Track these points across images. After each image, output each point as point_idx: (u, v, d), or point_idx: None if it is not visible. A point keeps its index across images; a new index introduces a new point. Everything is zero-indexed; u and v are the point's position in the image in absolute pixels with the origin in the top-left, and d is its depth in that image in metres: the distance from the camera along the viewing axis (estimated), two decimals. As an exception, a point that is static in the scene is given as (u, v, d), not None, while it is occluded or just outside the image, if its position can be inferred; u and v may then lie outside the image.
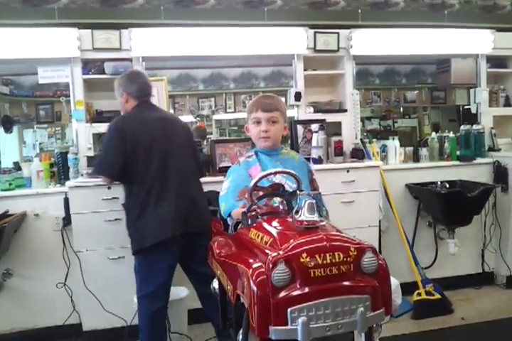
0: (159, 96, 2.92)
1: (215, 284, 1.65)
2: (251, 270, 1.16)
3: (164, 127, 2.26)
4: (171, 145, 2.23)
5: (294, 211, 1.30)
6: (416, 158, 3.29)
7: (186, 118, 4.14)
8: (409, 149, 3.31)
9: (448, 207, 2.86)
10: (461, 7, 3.91)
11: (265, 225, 1.39)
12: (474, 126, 3.38)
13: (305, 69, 3.20)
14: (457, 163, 3.23)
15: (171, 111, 3.85)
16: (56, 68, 2.93)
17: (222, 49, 3.05)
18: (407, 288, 2.82)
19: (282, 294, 1.11)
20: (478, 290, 3.22)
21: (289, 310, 1.09)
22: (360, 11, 3.68)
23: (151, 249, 2.12)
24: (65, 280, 2.64)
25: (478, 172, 3.22)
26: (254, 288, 1.11)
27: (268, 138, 1.77)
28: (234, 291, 1.31)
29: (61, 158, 2.85)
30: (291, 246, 1.15)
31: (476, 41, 3.42)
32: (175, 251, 2.19)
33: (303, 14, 3.65)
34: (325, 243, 1.16)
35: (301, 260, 1.12)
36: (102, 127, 2.62)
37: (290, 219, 1.32)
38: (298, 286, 1.12)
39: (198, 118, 4.20)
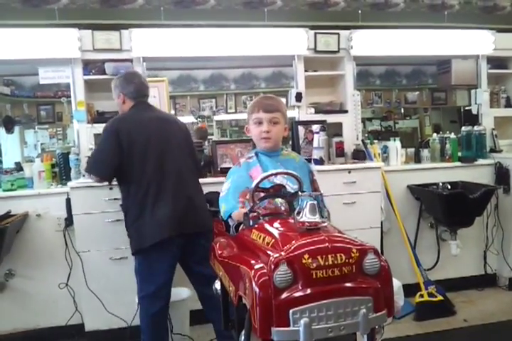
0: (160, 97, 2.92)
1: (217, 285, 1.65)
2: (253, 271, 1.16)
3: (160, 127, 2.25)
4: (168, 145, 2.23)
5: (295, 212, 1.29)
6: (417, 159, 3.28)
7: (187, 119, 4.15)
8: (411, 150, 3.31)
9: (450, 209, 2.86)
10: (461, 8, 3.92)
11: (267, 226, 1.39)
12: (475, 127, 3.38)
13: (306, 70, 3.20)
14: (459, 164, 3.23)
15: (172, 111, 3.86)
16: (57, 69, 2.94)
17: (223, 50, 3.05)
18: (410, 289, 2.81)
19: (284, 295, 1.10)
20: (480, 292, 3.21)
21: (291, 311, 1.09)
22: (360, 11, 3.68)
23: (151, 248, 2.12)
24: (68, 280, 2.64)
25: (479, 173, 3.22)
26: (256, 289, 1.11)
27: (269, 139, 1.77)
28: (236, 292, 1.30)
29: (62, 159, 2.86)
30: (293, 248, 1.15)
31: (476, 42, 3.42)
32: (174, 251, 2.19)
33: (303, 15, 3.65)
34: (327, 244, 1.15)
35: (303, 261, 1.12)
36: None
37: (292, 220, 1.32)
38: (300, 287, 1.11)
39: (198, 119, 4.20)
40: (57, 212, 2.64)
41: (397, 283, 2.38)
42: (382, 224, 2.99)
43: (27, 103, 3.95)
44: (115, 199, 2.53)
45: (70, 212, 2.59)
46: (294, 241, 1.18)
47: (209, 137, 3.95)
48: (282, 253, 1.15)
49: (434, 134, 3.40)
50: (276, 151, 1.82)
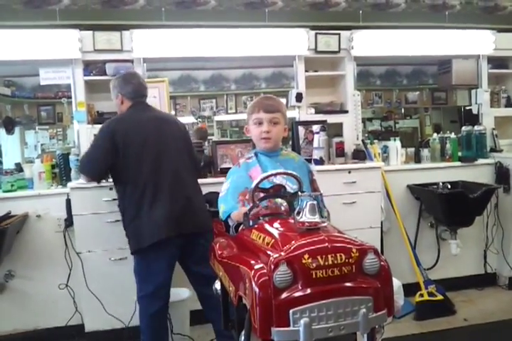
0: (160, 98, 2.92)
1: (217, 285, 1.65)
2: (253, 271, 1.16)
3: (158, 127, 2.25)
4: (165, 145, 2.22)
5: (295, 212, 1.30)
6: (417, 158, 3.28)
7: (187, 119, 4.16)
8: (411, 150, 3.31)
9: (450, 208, 2.86)
10: (462, 8, 3.91)
11: (267, 226, 1.39)
12: (476, 127, 3.38)
13: (306, 71, 3.20)
14: (459, 163, 3.23)
15: (173, 112, 3.86)
16: (57, 69, 2.94)
17: (224, 50, 3.05)
18: (410, 289, 2.80)
19: (284, 295, 1.10)
20: (480, 291, 3.21)
21: (291, 311, 1.09)
22: (361, 12, 3.68)
23: (149, 249, 2.12)
24: (67, 281, 2.64)
25: (480, 173, 3.22)
26: (256, 290, 1.11)
27: (269, 140, 1.77)
28: (236, 292, 1.30)
29: (63, 160, 2.85)
30: (293, 248, 1.15)
31: (477, 42, 3.42)
32: (173, 251, 2.19)
33: (304, 15, 3.65)
34: (327, 244, 1.15)
35: (303, 261, 1.12)
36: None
37: (292, 221, 1.32)
38: (300, 287, 1.12)
39: (199, 120, 4.21)
40: (57, 213, 2.64)
41: (397, 283, 2.38)
42: (382, 224, 2.99)
43: (27, 104, 3.96)
44: (115, 199, 2.52)
45: (70, 213, 2.59)
46: (293, 242, 1.18)
47: (209, 137, 3.96)
48: (282, 253, 1.15)
49: (435, 134, 3.40)
50: (275, 151, 1.82)
